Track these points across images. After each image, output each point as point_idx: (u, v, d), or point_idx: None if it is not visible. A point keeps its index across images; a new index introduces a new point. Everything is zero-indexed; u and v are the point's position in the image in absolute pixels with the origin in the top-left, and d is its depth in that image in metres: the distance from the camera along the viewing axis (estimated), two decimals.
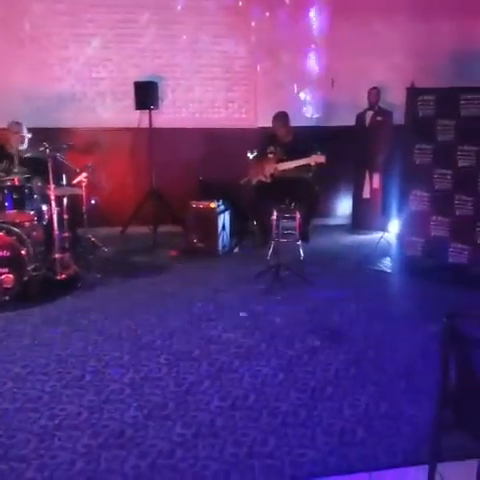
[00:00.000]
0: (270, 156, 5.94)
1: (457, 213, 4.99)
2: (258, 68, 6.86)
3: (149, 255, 6.00)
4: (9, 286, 4.44)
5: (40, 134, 5.32)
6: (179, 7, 6.62)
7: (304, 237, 5.97)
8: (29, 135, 5.42)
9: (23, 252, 4.51)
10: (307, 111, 6.88)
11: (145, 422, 2.86)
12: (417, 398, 3.09)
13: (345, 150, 6.50)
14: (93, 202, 5.81)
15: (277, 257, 5.10)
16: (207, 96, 6.88)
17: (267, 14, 6.75)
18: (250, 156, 6.06)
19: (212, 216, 5.96)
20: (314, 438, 2.73)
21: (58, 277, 4.78)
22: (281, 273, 5.00)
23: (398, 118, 6.14)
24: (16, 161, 5.33)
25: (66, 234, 5.27)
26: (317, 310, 4.38)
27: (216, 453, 2.62)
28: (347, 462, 2.56)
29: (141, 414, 2.93)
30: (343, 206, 7.35)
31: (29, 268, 4.57)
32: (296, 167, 5.73)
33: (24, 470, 2.47)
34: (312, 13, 6.65)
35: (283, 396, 3.11)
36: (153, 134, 6.60)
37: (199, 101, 6.87)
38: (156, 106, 6.59)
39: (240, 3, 6.68)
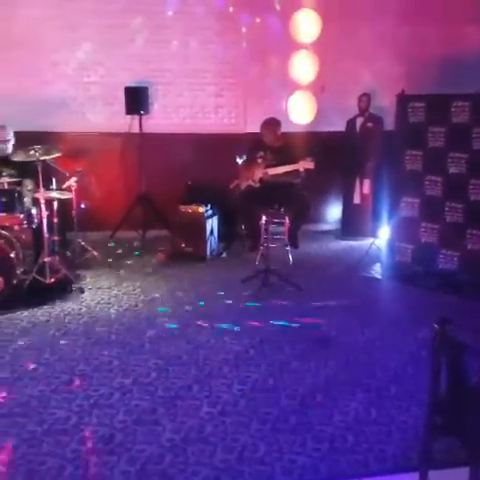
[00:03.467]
0: (259, 161, 5.96)
1: (447, 220, 5.03)
2: (248, 73, 6.88)
3: (137, 259, 5.98)
4: None
5: (30, 138, 5.27)
6: (170, 12, 6.62)
7: (293, 242, 6.00)
8: (12, 139, 5.40)
9: (12, 255, 4.49)
10: (296, 117, 6.89)
11: (134, 427, 2.85)
12: (407, 404, 3.10)
13: (335, 156, 6.53)
14: (83, 206, 5.79)
15: (266, 262, 5.10)
16: (197, 101, 6.89)
17: (257, 20, 6.77)
18: (239, 161, 6.08)
19: (200, 221, 5.96)
20: (304, 444, 2.73)
21: (47, 281, 4.75)
22: (269, 278, 5.01)
23: (388, 124, 6.19)
24: (4, 165, 5.31)
25: (56, 238, 5.25)
26: (306, 316, 4.38)
27: (206, 458, 2.61)
28: (338, 468, 2.57)
29: (130, 419, 2.92)
30: (333, 212, 7.38)
31: (18, 271, 4.55)
32: (285, 172, 5.76)
33: (11, 477, 2.45)
34: (302, 19, 6.67)
35: (273, 402, 3.11)
36: (143, 139, 6.60)
37: (189, 106, 6.87)
38: (146, 111, 6.59)
39: (231, 9, 6.70)
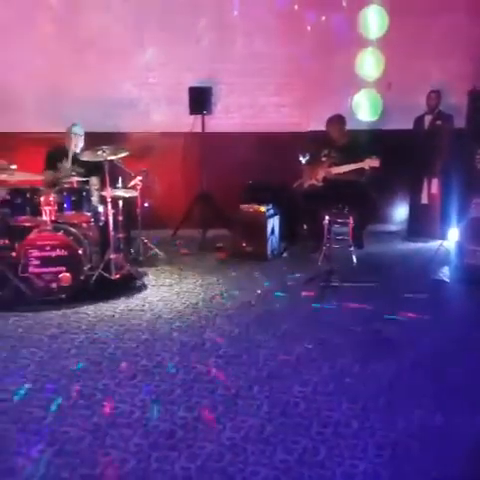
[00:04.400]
0: (323, 160, 5.88)
1: None
2: (311, 71, 6.81)
3: (198, 258, 6.04)
4: (66, 284, 4.57)
5: (98, 138, 5.45)
6: (235, 12, 6.66)
7: (357, 243, 5.86)
8: (82, 139, 5.59)
9: (80, 252, 4.63)
10: (362, 114, 6.77)
11: (195, 424, 2.87)
12: (476, 411, 2.96)
13: (402, 154, 6.35)
14: (146, 205, 5.91)
15: (328, 263, 5.03)
16: (259, 100, 6.89)
17: (323, 18, 6.70)
18: (302, 160, 6.01)
19: (261, 220, 5.94)
20: (366, 449, 2.66)
21: (112, 277, 4.88)
22: (332, 280, 4.93)
23: (459, 122, 5.96)
24: (74, 164, 5.51)
25: (121, 235, 5.38)
26: (370, 318, 4.29)
27: (266, 459, 2.59)
28: (400, 476, 2.48)
29: (191, 416, 2.94)
30: (399, 212, 7.17)
31: (85, 267, 4.69)
32: (350, 171, 5.65)
33: (78, 465, 2.52)
34: (369, 15, 6.54)
35: (334, 405, 3.06)
36: (205, 138, 6.66)
37: (251, 105, 6.88)
38: (210, 111, 6.65)
39: (296, 7, 6.66)
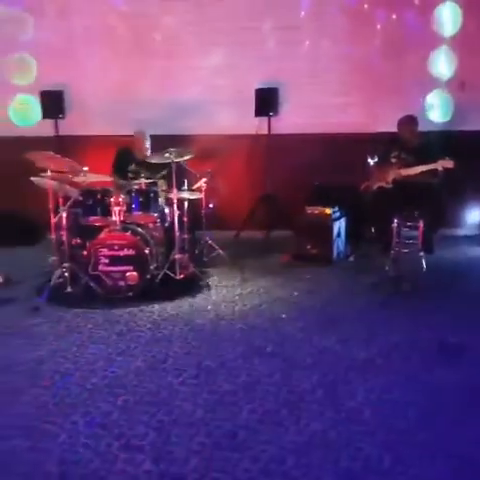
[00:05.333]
0: (393, 161, 5.73)
1: None
2: (381, 71, 6.67)
3: (261, 259, 6.02)
4: (133, 283, 4.68)
5: (165, 141, 5.56)
6: (302, 13, 6.62)
7: (427, 248, 5.64)
8: (148, 142, 5.73)
9: (146, 251, 4.73)
10: (434, 115, 6.56)
11: (257, 426, 2.85)
12: None
13: (476, 156, 6.08)
14: (211, 206, 5.96)
15: (397, 268, 4.89)
16: (327, 101, 6.79)
17: (394, 16, 6.55)
18: (371, 161, 5.87)
19: (327, 222, 5.86)
20: (434, 461, 2.55)
21: (177, 277, 4.96)
22: (400, 285, 4.79)
23: None
24: (142, 166, 5.66)
25: (186, 236, 5.45)
26: (439, 326, 4.13)
27: (329, 464, 2.54)
28: None
29: (253, 418, 2.93)
30: (472, 216, 6.89)
31: (151, 267, 4.78)
32: (421, 172, 5.48)
33: (142, 461, 2.56)
34: (443, 13, 6.34)
35: (400, 414, 2.96)
36: (271, 140, 6.65)
37: (318, 106, 6.80)
38: (276, 112, 6.63)
39: (365, 6, 6.54)
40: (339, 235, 5.98)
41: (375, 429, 2.81)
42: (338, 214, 5.98)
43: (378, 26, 6.63)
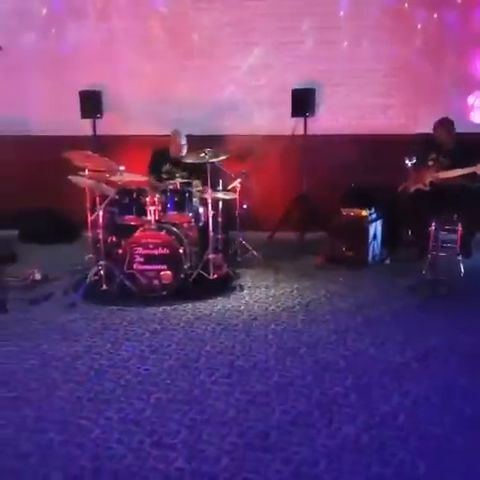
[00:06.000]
0: (430, 163, 5.62)
1: None
2: (420, 72, 6.55)
3: (295, 261, 5.98)
4: (167, 282, 4.72)
5: (201, 141, 5.59)
6: (341, 13, 6.56)
7: (465, 252, 5.51)
8: (185, 142, 5.75)
9: (181, 251, 4.75)
10: (474, 117, 6.40)
11: (289, 428, 2.84)
12: None
13: None
14: (245, 206, 5.96)
15: (434, 272, 4.79)
16: (365, 102, 6.71)
17: (435, 15, 6.43)
18: (408, 163, 5.76)
19: (363, 224, 5.78)
20: (471, 468, 2.49)
21: (210, 277, 4.97)
22: (437, 289, 4.69)
23: None
24: (177, 166, 5.70)
25: (219, 236, 5.46)
26: (477, 331, 4.03)
27: (361, 469, 2.51)
28: None
29: (285, 419, 2.91)
30: None
31: (185, 266, 4.81)
32: (460, 175, 5.36)
33: (174, 459, 2.58)
34: None
35: (436, 420, 2.89)
36: (307, 141, 6.61)
37: (356, 107, 6.72)
38: (312, 113, 6.59)
39: (406, 5, 6.44)
40: (375, 237, 5.89)
41: (409, 434, 2.76)
42: (374, 216, 5.90)
43: (418, 26, 6.51)
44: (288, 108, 6.53)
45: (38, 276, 5.15)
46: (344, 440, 2.73)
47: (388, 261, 5.90)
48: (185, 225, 5.20)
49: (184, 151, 5.75)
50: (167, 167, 5.77)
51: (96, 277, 4.85)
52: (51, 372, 3.45)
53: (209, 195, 5.05)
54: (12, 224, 6.59)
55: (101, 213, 4.83)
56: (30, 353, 3.71)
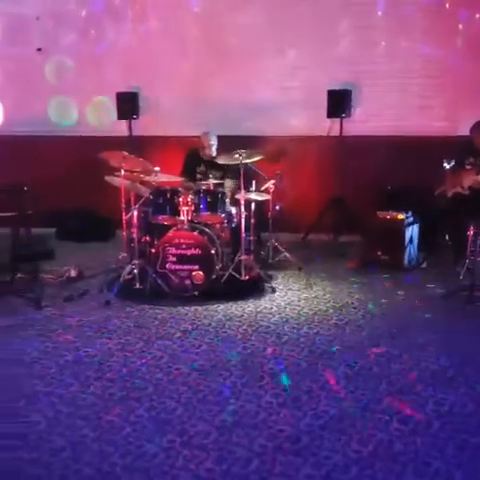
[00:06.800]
0: (468, 167, 5.49)
1: None
2: (461, 73, 6.40)
3: (328, 264, 5.91)
4: (199, 282, 4.73)
5: (235, 141, 5.59)
6: (379, 12, 6.47)
7: None
8: (215, 143, 5.77)
9: (213, 251, 4.76)
10: None
11: (320, 432, 2.80)
12: None
13: None
14: (278, 208, 5.92)
15: (472, 277, 4.67)
16: (403, 103, 6.59)
17: (477, 15, 6.27)
18: (446, 166, 5.63)
19: (399, 228, 5.68)
20: None
21: (242, 278, 4.96)
22: (475, 295, 4.57)
23: None
24: (210, 167, 5.71)
25: (252, 237, 5.44)
26: None
27: (394, 477, 2.46)
28: None
29: (317, 424, 2.88)
30: None
31: (217, 267, 4.81)
32: None
33: (204, 460, 2.57)
34: None
35: (473, 429, 2.82)
36: (342, 142, 6.54)
37: (394, 108, 6.61)
38: (348, 114, 6.52)
39: (447, 5, 6.31)
40: (411, 241, 5.78)
41: (445, 443, 2.70)
42: (411, 219, 5.79)
43: (460, 26, 6.37)
44: (323, 109, 6.47)
45: (74, 273, 5.24)
46: (377, 447, 2.68)
47: (424, 265, 5.78)
48: (217, 226, 5.21)
49: (214, 152, 5.77)
50: (201, 168, 5.80)
51: (130, 276, 4.90)
52: (84, 369, 3.50)
53: (242, 196, 5.04)
54: (49, 222, 6.70)
55: (135, 213, 4.88)
56: (64, 349, 3.77)
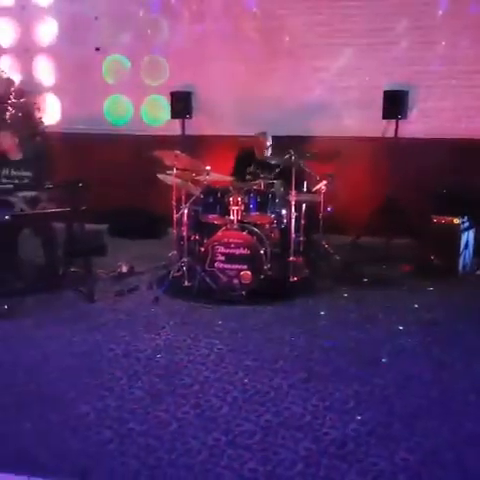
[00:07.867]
0: None
1: None
2: None
3: (380, 267, 5.78)
4: (247, 282, 4.72)
5: (288, 142, 5.55)
6: (440, 12, 6.28)
7: None
8: (270, 144, 5.74)
9: (261, 252, 4.74)
10: None
11: (367, 438, 2.75)
12: None
13: None
14: (329, 209, 5.84)
15: None
16: (462, 104, 6.37)
17: None
18: None
19: (455, 233, 5.50)
20: None
21: (291, 279, 4.93)
22: None
23: None
24: (262, 167, 5.70)
25: (301, 239, 5.40)
26: None
27: None
28: None
29: (364, 429, 2.82)
30: None
31: (265, 267, 4.79)
32: None
33: (248, 460, 2.57)
34: None
35: None
36: (397, 144, 6.39)
37: (452, 110, 6.40)
38: (404, 115, 6.37)
39: None
40: (467, 247, 5.60)
41: None
42: (467, 224, 5.60)
43: None
44: (379, 110, 6.34)
45: (125, 269, 5.35)
46: (425, 456, 2.61)
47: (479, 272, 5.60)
48: (267, 226, 5.19)
49: (269, 152, 5.75)
50: (252, 168, 5.79)
51: (179, 273, 4.95)
52: (133, 363, 3.56)
53: (293, 197, 5.00)
54: (102, 218, 6.84)
55: (186, 211, 4.93)
56: (114, 343, 3.85)
